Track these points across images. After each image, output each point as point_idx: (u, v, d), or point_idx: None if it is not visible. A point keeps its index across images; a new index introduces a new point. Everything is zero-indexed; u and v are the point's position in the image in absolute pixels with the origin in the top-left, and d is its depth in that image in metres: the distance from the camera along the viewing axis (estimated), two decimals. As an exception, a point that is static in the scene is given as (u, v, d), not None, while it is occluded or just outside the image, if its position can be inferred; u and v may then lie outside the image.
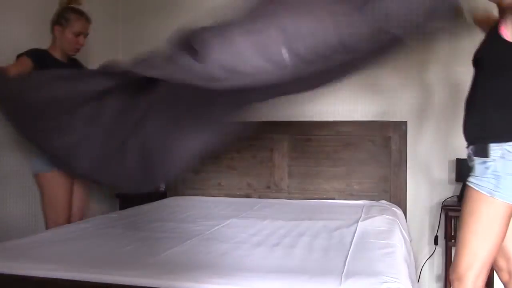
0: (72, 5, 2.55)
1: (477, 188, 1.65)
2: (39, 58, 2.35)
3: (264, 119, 3.31)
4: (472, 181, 1.68)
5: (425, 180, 3.05)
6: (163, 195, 3.41)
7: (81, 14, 2.54)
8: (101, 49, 3.43)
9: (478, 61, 1.77)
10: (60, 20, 2.48)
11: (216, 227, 2.18)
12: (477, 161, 1.69)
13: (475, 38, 1.81)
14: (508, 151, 1.61)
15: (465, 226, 1.68)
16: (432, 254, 3.01)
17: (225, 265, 1.54)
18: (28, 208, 2.61)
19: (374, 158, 3.06)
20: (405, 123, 3.02)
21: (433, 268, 3.03)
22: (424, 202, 3.05)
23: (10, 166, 2.53)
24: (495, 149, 1.63)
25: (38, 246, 1.76)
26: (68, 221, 2.46)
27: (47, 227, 2.45)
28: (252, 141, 3.27)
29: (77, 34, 2.52)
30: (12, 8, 2.59)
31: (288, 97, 1.78)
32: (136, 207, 2.85)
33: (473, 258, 1.64)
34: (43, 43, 2.89)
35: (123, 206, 3.35)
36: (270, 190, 3.22)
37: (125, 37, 3.64)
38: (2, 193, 2.49)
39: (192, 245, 1.82)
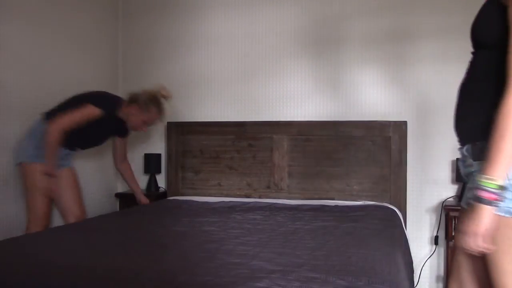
0: (162, 98, 2.70)
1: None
2: (109, 111, 2.54)
3: (264, 119, 3.32)
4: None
5: (425, 180, 3.04)
6: (163, 195, 3.41)
7: (161, 113, 2.71)
8: (101, 48, 3.44)
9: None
10: (142, 104, 2.62)
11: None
12: (479, 167, 1.15)
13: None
14: None
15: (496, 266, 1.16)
16: (432, 254, 3.01)
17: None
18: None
19: (374, 158, 3.05)
20: (405, 123, 3.01)
21: (433, 268, 3.03)
22: (424, 202, 3.04)
23: None
24: None
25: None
26: (48, 209, 2.49)
27: (28, 215, 2.47)
28: (252, 141, 3.27)
29: (146, 123, 2.68)
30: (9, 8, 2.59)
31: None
32: (136, 207, 2.84)
33: None
34: (42, 43, 2.89)
35: (122, 206, 3.35)
36: (270, 190, 3.22)
37: (125, 37, 3.64)
38: None
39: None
